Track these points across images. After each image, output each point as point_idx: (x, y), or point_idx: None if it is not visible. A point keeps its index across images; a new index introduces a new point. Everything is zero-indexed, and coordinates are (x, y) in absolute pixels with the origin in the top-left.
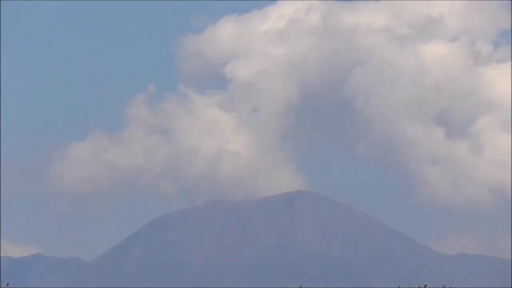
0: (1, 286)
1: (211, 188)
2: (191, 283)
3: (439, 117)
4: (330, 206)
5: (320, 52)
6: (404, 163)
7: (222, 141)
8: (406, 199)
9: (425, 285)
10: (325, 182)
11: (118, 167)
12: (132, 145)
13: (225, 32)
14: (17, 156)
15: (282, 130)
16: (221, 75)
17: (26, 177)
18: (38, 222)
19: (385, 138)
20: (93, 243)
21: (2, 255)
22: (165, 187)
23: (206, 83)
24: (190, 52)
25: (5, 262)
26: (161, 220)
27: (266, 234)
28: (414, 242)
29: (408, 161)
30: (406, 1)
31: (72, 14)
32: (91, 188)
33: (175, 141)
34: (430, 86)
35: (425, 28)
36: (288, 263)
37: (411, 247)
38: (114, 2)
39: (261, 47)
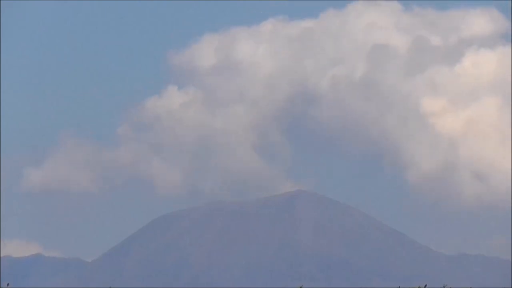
0: (1, 286)
1: (211, 188)
2: (191, 283)
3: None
4: (330, 206)
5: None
6: (403, 164)
7: (223, 141)
8: (406, 199)
9: (425, 285)
10: (325, 182)
11: (118, 167)
12: (130, 145)
13: (210, 45)
14: (17, 155)
15: (281, 130)
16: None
17: (25, 176)
18: (38, 222)
19: (383, 137)
20: (93, 243)
21: (2, 255)
22: (164, 187)
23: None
24: (177, 62)
25: (5, 262)
26: (161, 220)
27: (266, 234)
28: (414, 242)
29: (408, 161)
30: None
31: (71, 15)
32: (91, 188)
33: (175, 142)
34: None
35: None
36: (288, 263)
37: (411, 247)
38: (112, 5)
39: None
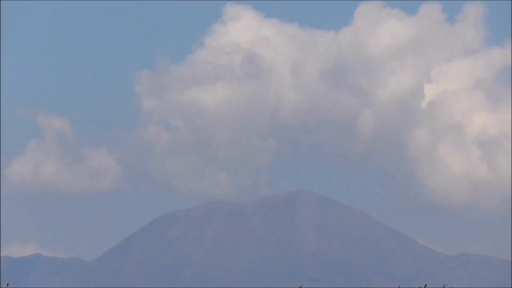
0: (1, 286)
1: (211, 188)
2: (191, 283)
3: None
4: (330, 206)
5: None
6: (402, 164)
7: (222, 141)
8: (406, 199)
9: (425, 285)
10: (325, 182)
11: (117, 167)
12: (130, 145)
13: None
14: (16, 155)
15: (281, 130)
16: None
17: (26, 176)
18: (38, 222)
19: (382, 137)
20: (93, 243)
21: (2, 255)
22: (164, 187)
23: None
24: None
25: (5, 262)
26: (161, 220)
27: (266, 234)
28: (414, 242)
29: (407, 161)
30: None
31: (71, 15)
32: (91, 188)
33: (174, 142)
34: None
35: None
36: (288, 263)
37: (411, 247)
38: (112, 5)
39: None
